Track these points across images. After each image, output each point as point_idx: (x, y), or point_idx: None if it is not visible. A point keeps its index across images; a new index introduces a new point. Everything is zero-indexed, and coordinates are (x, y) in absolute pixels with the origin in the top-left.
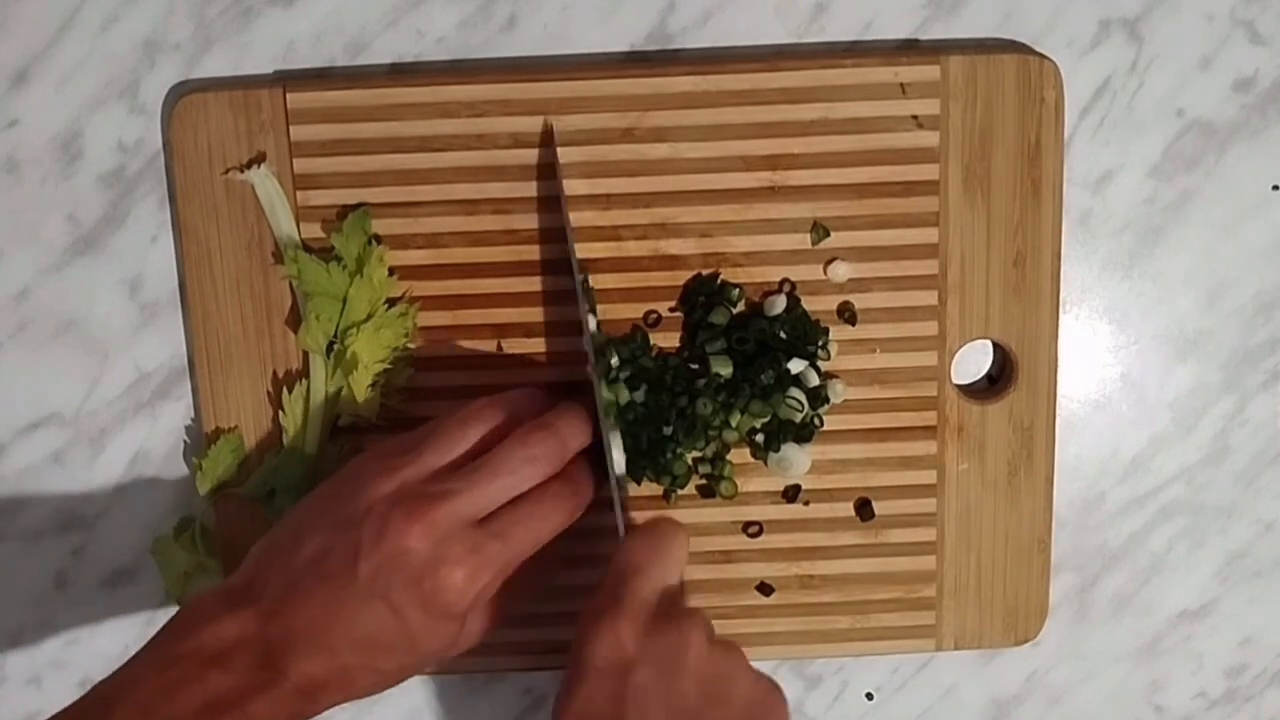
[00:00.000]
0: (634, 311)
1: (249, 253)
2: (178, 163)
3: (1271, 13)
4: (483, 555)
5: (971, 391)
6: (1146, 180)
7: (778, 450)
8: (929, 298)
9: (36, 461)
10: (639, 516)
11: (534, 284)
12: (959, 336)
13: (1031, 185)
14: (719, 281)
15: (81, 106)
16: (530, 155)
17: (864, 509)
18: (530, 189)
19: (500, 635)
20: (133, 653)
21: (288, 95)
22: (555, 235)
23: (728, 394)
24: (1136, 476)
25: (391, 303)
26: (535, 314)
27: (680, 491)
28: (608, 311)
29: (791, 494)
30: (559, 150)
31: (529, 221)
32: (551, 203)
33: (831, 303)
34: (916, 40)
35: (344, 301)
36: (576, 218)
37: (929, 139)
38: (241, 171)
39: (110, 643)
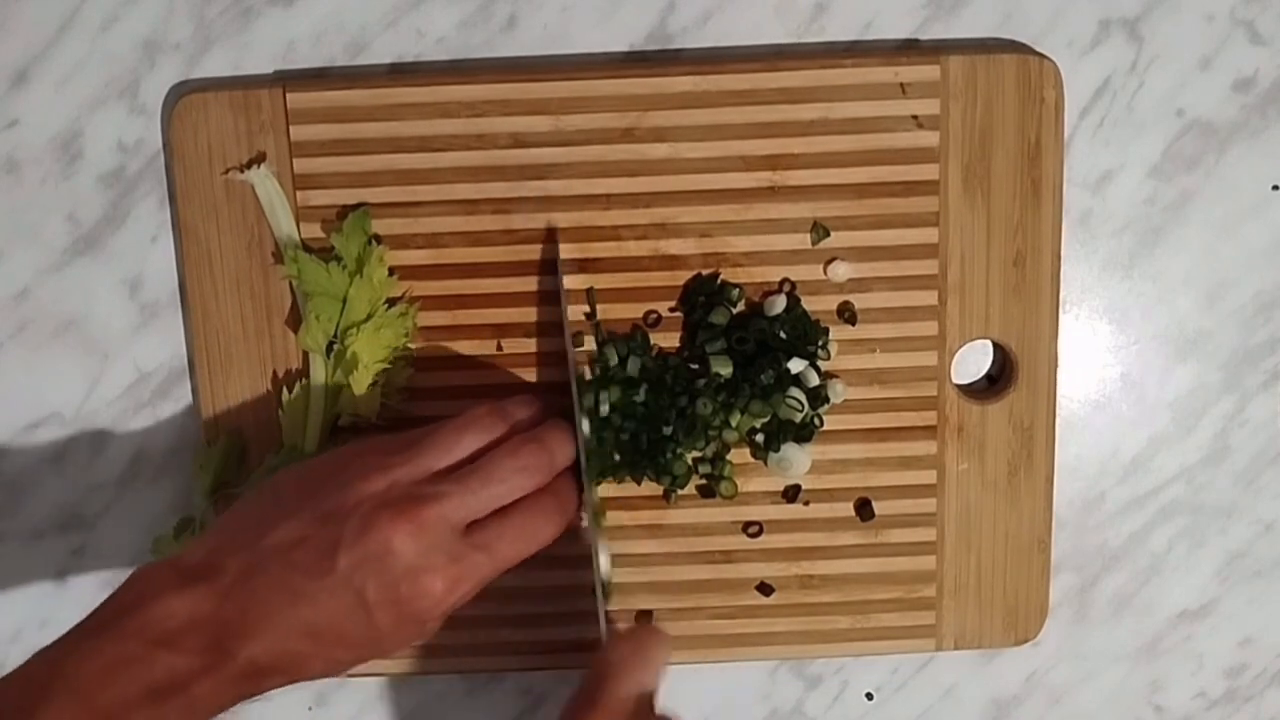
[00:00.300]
0: (634, 311)
1: (249, 253)
2: (178, 163)
3: (1271, 13)
4: (464, 566)
5: (971, 391)
6: (1146, 180)
7: (778, 450)
8: (929, 298)
9: (36, 461)
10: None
11: (534, 284)
12: (959, 336)
13: (1031, 185)
14: (719, 281)
15: (81, 106)
16: (531, 155)
17: (864, 509)
18: (530, 189)
19: (500, 635)
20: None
21: (288, 95)
22: (555, 235)
23: (728, 394)
24: (1136, 476)
25: (391, 302)
26: (535, 314)
27: (680, 491)
28: (608, 311)
29: (791, 494)
30: (561, 246)
31: (529, 221)
32: (552, 202)
33: (831, 303)
34: (916, 40)
35: (344, 301)
36: (578, 218)
37: (929, 139)
38: (241, 171)
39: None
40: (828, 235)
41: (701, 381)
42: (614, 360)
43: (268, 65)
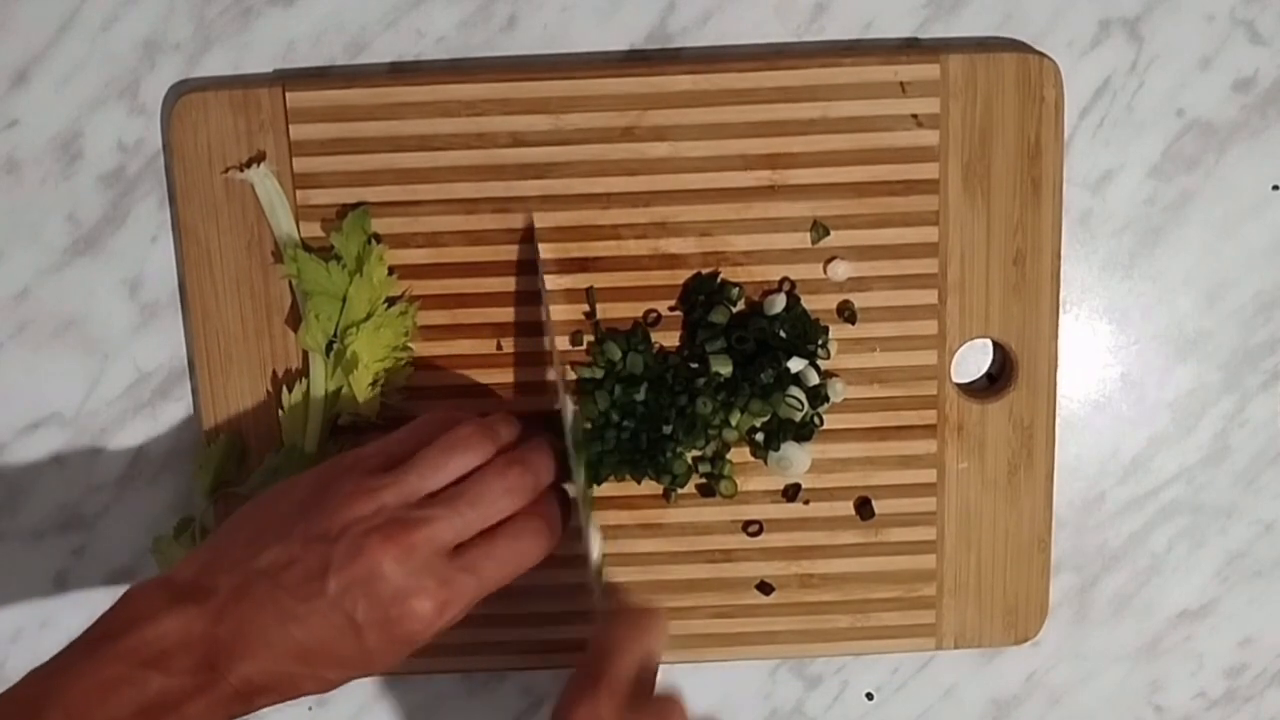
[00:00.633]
0: (634, 310)
1: (249, 252)
2: (177, 162)
3: (1271, 13)
4: (454, 589)
5: (971, 390)
6: (1146, 180)
7: (778, 449)
8: (929, 296)
9: (36, 461)
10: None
11: (533, 283)
12: (959, 335)
13: (1031, 184)
14: (719, 280)
15: (81, 106)
16: (530, 154)
17: (864, 508)
18: (529, 188)
19: (501, 634)
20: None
21: (287, 94)
22: (555, 234)
23: (728, 393)
24: (1136, 476)
25: (391, 302)
26: (534, 313)
27: (680, 490)
28: (608, 311)
29: (791, 493)
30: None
31: (529, 221)
32: (552, 201)
33: (831, 301)
34: (917, 39)
35: (344, 301)
36: (578, 217)
37: (929, 138)
38: (241, 171)
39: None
40: (827, 234)
41: (701, 380)
42: (614, 358)
43: (268, 65)
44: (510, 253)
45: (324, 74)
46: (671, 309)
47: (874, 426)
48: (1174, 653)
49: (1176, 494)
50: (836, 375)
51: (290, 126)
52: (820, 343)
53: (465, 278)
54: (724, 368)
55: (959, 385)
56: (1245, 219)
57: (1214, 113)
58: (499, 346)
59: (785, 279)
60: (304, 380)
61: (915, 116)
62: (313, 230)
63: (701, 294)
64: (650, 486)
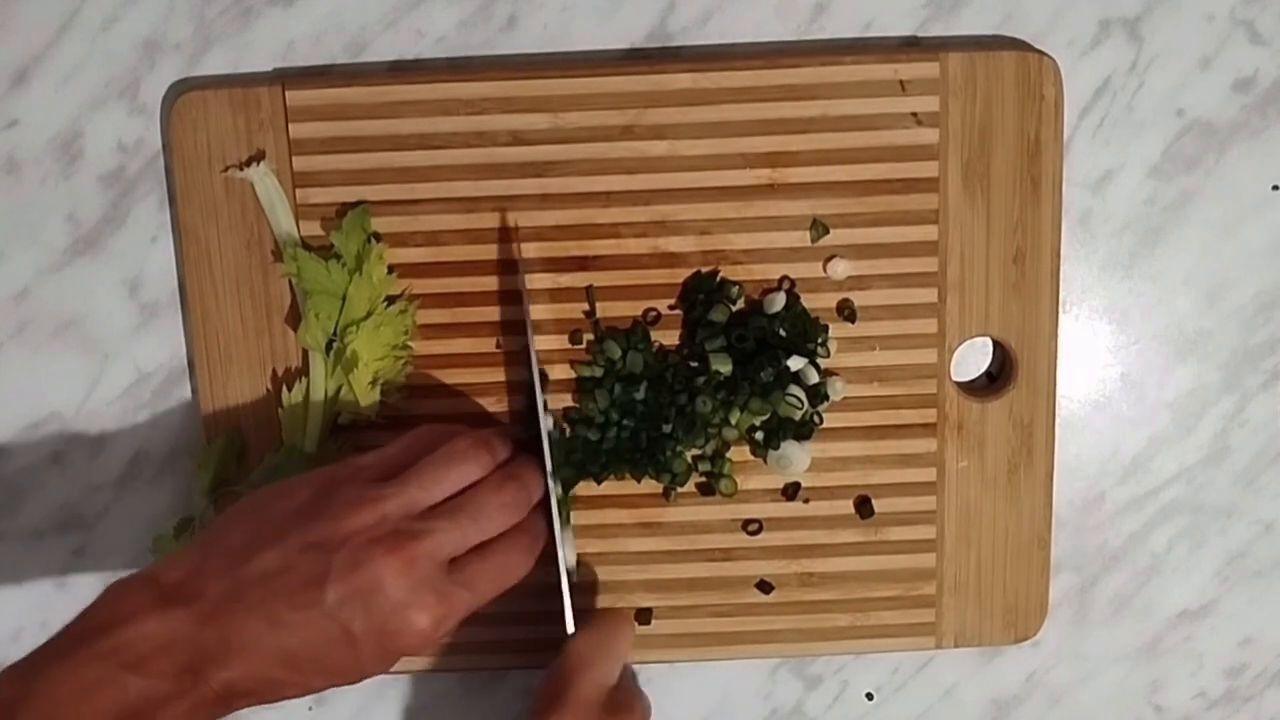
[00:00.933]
0: (634, 309)
1: (248, 251)
2: (177, 161)
3: (1271, 13)
4: (450, 604)
5: (971, 389)
6: (1146, 180)
7: (777, 448)
8: (928, 295)
9: (36, 461)
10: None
11: (532, 282)
12: (958, 334)
13: (1031, 182)
14: (718, 279)
15: (81, 106)
16: (530, 153)
17: (864, 506)
18: (529, 187)
19: (501, 633)
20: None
21: (287, 93)
22: (554, 233)
23: (727, 391)
24: (1136, 476)
25: (391, 300)
26: (534, 312)
27: (680, 489)
28: (607, 309)
29: (791, 492)
30: (521, 246)
31: (528, 219)
32: (551, 200)
33: (831, 300)
34: (916, 38)
35: (343, 299)
36: (578, 215)
37: (928, 136)
38: (241, 169)
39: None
40: (827, 233)
41: (701, 379)
42: (614, 357)
43: (268, 66)
44: (510, 251)
45: (324, 73)
46: (671, 307)
47: (874, 425)
48: (1174, 653)
49: (1176, 494)
50: (836, 374)
51: (290, 125)
52: (820, 341)
53: (465, 276)
54: (724, 366)
55: (959, 384)
56: (1245, 219)
57: (1214, 113)
58: (498, 345)
59: (785, 277)
60: (304, 379)
61: (915, 115)
62: (312, 229)
63: (701, 292)
64: (650, 485)
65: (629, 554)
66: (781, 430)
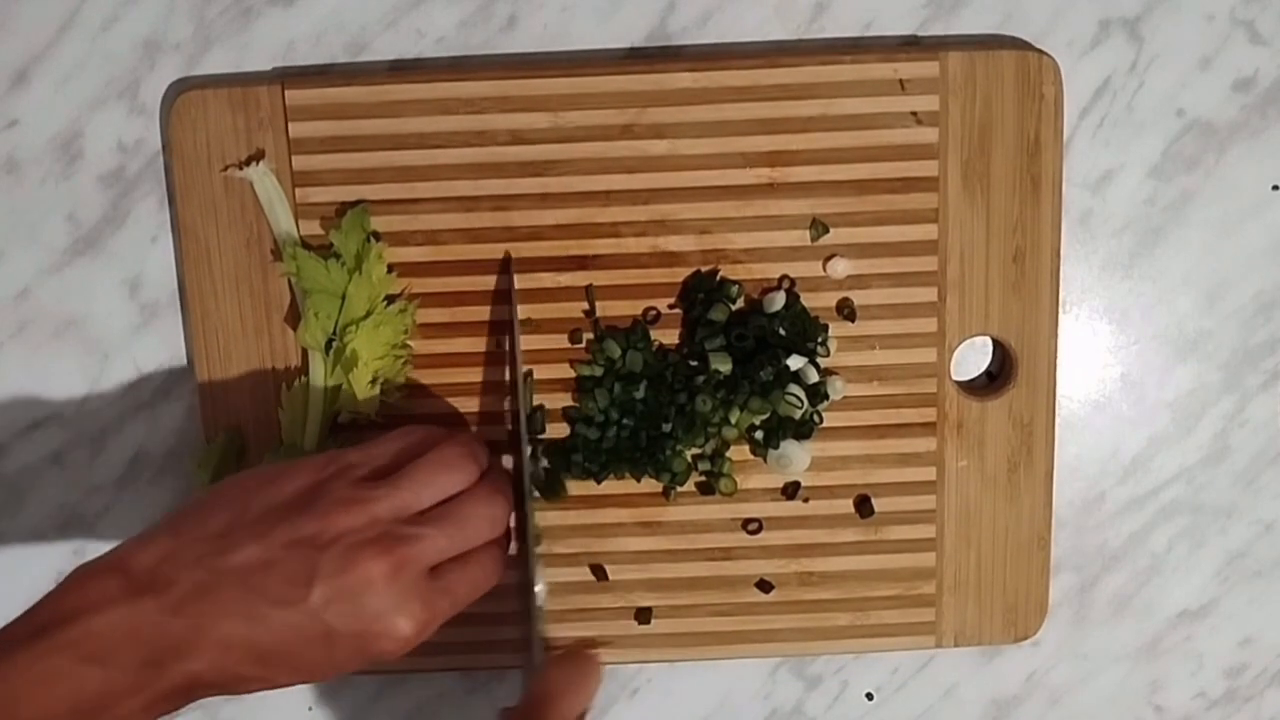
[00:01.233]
0: (633, 308)
1: (248, 250)
2: (177, 160)
3: (1271, 13)
4: (432, 611)
5: (971, 388)
6: (1146, 180)
7: (777, 447)
8: (928, 294)
9: (36, 461)
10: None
11: (532, 281)
12: (958, 333)
13: (1031, 181)
14: (718, 278)
15: (81, 106)
16: (530, 152)
17: (863, 506)
18: (529, 186)
19: (501, 632)
20: None
21: (286, 92)
22: (554, 232)
23: (727, 391)
24: (1136, 476)
25: (390, 299)
26: (533, 311)
27: (679, 488)
28: (607, 308)
29: (791, 491)
30: (515, 277)
31: (527, 218)
32: (551, 199)
33: (831, 299)
34: (917, 37)
35: (343, 298)
36: (577, 214)
37: (928, 135)
38: (240, 168)
39: None
40: (827, 232)
41: (701, 378)
42: (614, 356)
43: (267, 66)
44: (509, 250)
45: (323, 72)
46: (671, 307)
47: (873, 424)
48: (1174, 653)
49: (1176, 494)
50: (836, 373)
51: (289, 124)
52: (820, 340)
53: (464, 275)
54: (723, 365)
55: (958, 383)
56: (1245, 219)
57: (1214, 113)
58: (498, 344)
59: (785, 276)
60: (303, 378)
61: (915, 114)
62: (312, 228)
63: (701, 292)
64: (650, 484)
65: (628, 553)
66: (781, 429)
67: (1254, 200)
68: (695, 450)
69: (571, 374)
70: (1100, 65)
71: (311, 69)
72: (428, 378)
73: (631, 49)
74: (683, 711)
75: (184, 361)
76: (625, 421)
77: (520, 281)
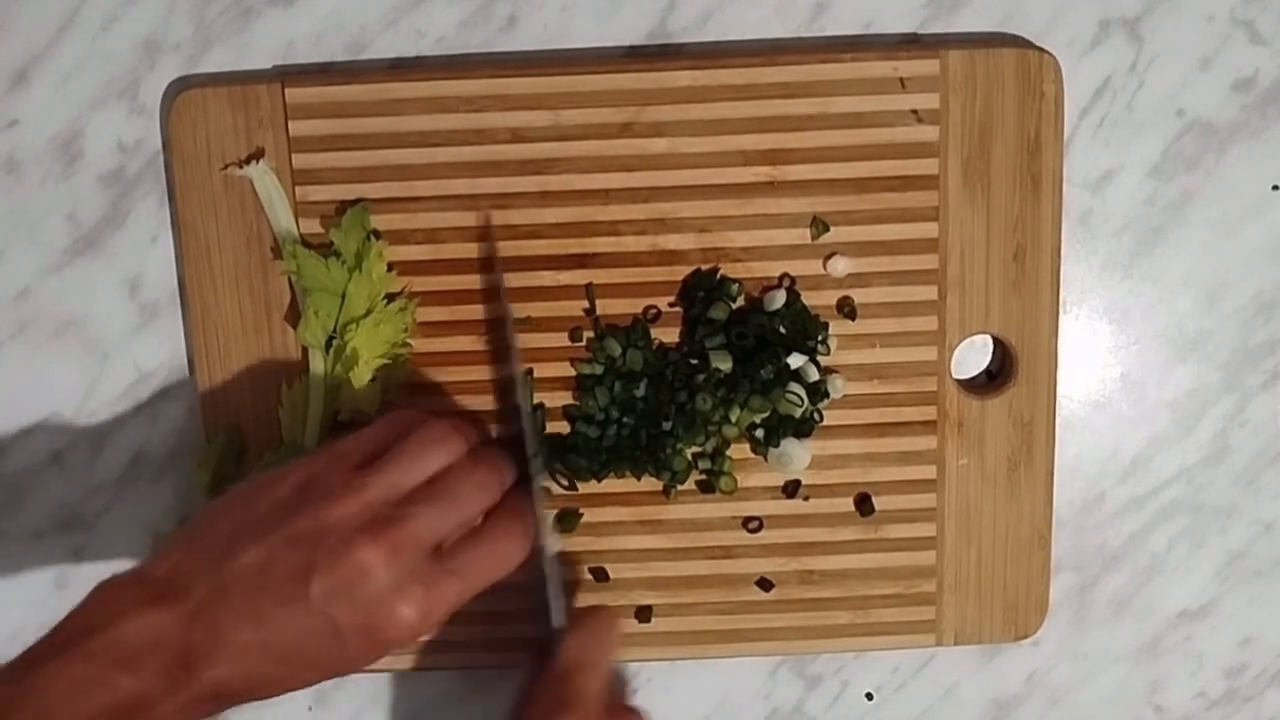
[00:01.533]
0: (633, 307)
1: (248, 248)
2: (177, 159)
3: (1271, 13)
4: (438, 592)
5: (971, 386)
6: (1146, 180)
7: (777, 445)
8: (928, 293)
9: (36, 461)
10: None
11: (532, 279)
12: (958, 331)
13: (1031, 180)
14: (718, 276)
15: (81, 106)
16: (529, 150)
17: (864, 504)
18: (528, 184)
19: (501, 633)
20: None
21: (286, 90)
22: (554, 230)
23: (727, 389)
24: (1136, 476)
25: (390, 298)
26: (533, 309)
27: (680, 487)
28: (607, 307)
29: (791, 489)
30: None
31: (527, 217)
32: (551, 197)
33: (831, 298)
34: (917, 36)
35: (343, 297)
36: (577, 213)
37: (928, 133)
38: (240, 167)
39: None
40: (827, 230)
41: (701, 377)
42: (614, 354)
43: (267, 65)
44: (509, 249)
45: (323, 71)
46: (671, 305)
47: (874, 423)
48: (1174, 653)
49: (1176, 494)
50: (836, 371)
51: (289, 123)
52: (820, 339)
53: (464, 274)
54: (724, 364)
55: (959, 381)
56: (1245, 219)
57: (1214, 113)
58: (498, 341)
59: (785, 275)
60: (303, 376)
61: (915, 112)
62: (312, 226)
63: (701, 290)
64: (650, 483)
65: (629, 551)
66: (781, 428)
67: (1254, 200)
68: (695, 448)
69: (572, 372)
70: (1100, 65)
71: (311, 68)
72: (428, 376)
73: (631, 48)
74: (683, 711)
75: (184, 361)
76: (625, 420)
77: (520, 280)
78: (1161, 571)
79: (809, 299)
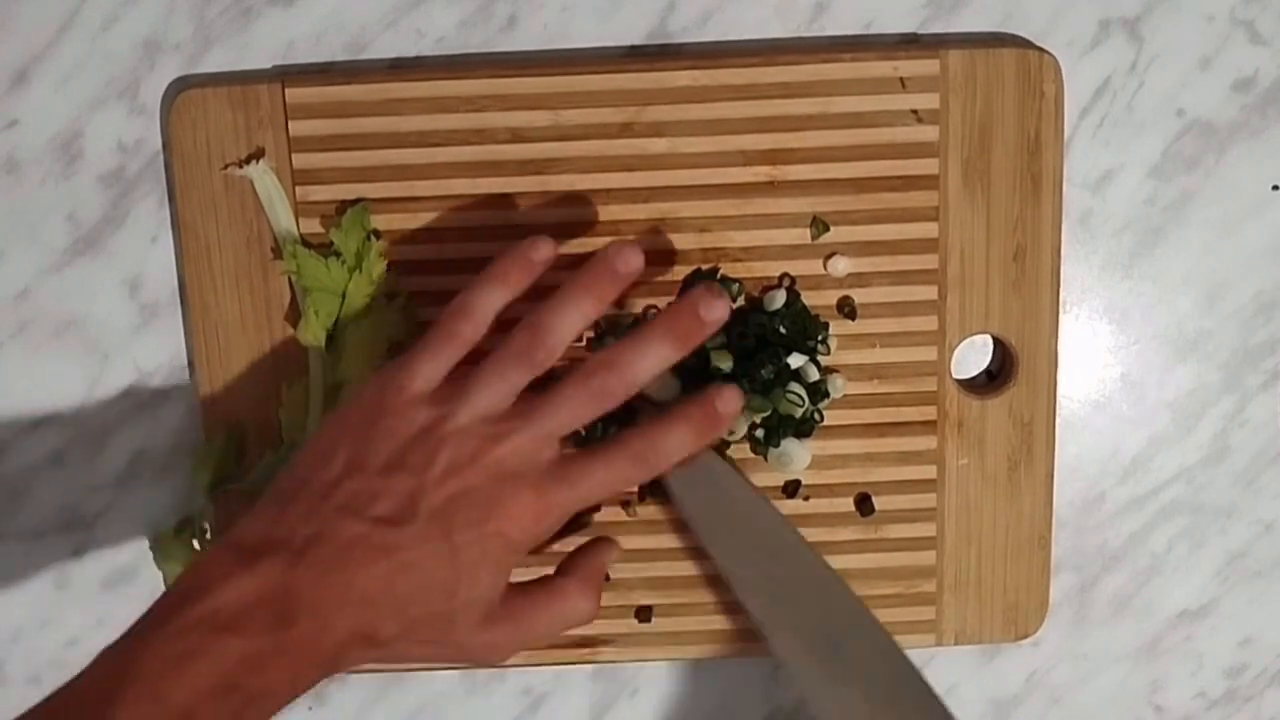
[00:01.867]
0: (634, 306)
1: (248, 248)
2: (177, 159)
3: (1271, 13)
4: (548, 499)
5: (971, 386)
6: (1146, 180)
7: (777, 445)
8: (929, 292)
9: (36, 461)
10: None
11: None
12: (959, 331)
13: (1031, 180)
14: (718, 276)
15: (81, 106)
16: (529, 150)
17: (864, 504)
18: (529, 184)
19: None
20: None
21: (287, 90)
22: (554, 231)
23: None
24: (1136, 476)
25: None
26: (533, 309)
27: None
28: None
29: (791, 489)
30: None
31: (527, 217)
32: (549, 198)
33: (831, 297)
34: (917, 36)
35: (343, 296)
36: (577, 212)
37: (928, 133)
38: (240, 167)
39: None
40: (827, 230)
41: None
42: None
43: (267, 65)
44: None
45: (323, 71)
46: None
47: (874, 422)
48: (1174, 653)
49: (1176, 494)
50: (836, 371)
51: (289, 122)
52: (820, 338)
53: (464, 274)
54: (724, 363)
55: (959, 381)
56: (1245, 219)
57: (1214, 113)
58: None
59: (785, 275)
60: (304, 376)
61: (915, 112)
62: (312, 226)
63: None
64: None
65: (629, 551)
66: (782, 428)
67: (1254, 200)
68: None
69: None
70: (1100, 65)
71: (311, 68)
72: None
73: (631, 48)
74: (683, 711)
75: (184, 361)
76: (625, 420)
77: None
78: (1161, 571)
79: (809, 299)
